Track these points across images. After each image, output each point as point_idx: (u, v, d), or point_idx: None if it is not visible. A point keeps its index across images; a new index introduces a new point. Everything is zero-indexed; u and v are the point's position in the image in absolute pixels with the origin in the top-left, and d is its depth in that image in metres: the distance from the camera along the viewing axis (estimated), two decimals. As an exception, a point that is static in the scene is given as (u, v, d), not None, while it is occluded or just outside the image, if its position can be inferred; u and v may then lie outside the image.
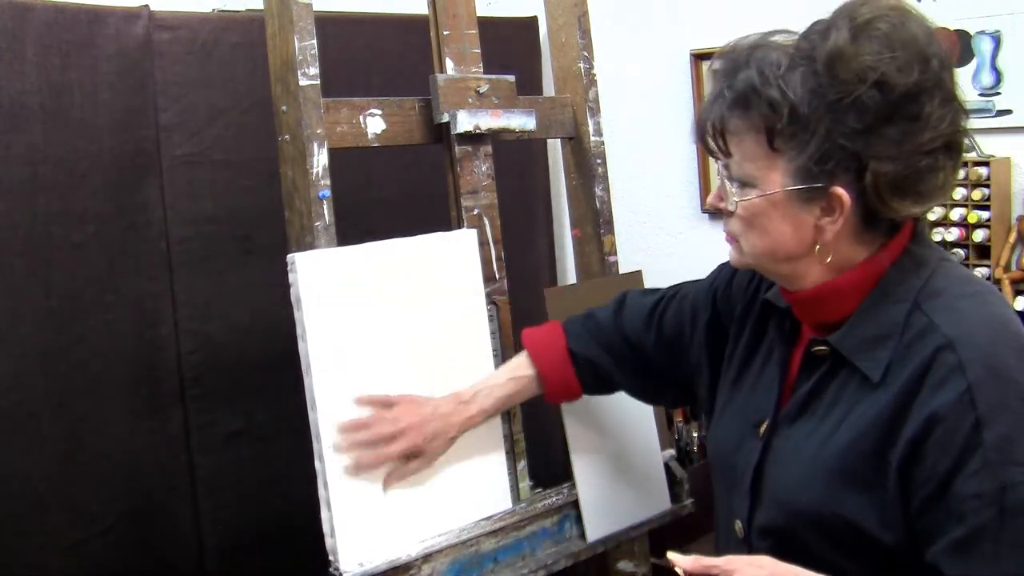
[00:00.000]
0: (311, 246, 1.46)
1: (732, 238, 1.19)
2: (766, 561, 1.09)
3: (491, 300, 1.65)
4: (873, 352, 1.10)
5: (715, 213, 2.42)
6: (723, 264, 1.44)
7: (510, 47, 2.46)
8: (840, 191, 1.07)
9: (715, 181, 2.42)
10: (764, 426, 1.22)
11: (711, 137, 1.14)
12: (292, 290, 1.41)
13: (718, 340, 1.40)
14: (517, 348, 1.62)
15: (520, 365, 1.57)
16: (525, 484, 1.67)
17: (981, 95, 2.05)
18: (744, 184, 1.12)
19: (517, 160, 2.49)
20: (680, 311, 1.48)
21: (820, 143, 1.06)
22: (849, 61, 1.04)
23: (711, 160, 2.42)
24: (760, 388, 1.26)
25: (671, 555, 1.11)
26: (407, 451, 1.47)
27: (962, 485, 1.02)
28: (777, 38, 1.11)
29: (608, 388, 1.60)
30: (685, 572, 1.09)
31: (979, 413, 1.01)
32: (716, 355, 1.40)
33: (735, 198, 1.13)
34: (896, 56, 1.04)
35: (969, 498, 1.01)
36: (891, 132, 1.05)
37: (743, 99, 1.09)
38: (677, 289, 1.53)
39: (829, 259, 1.12)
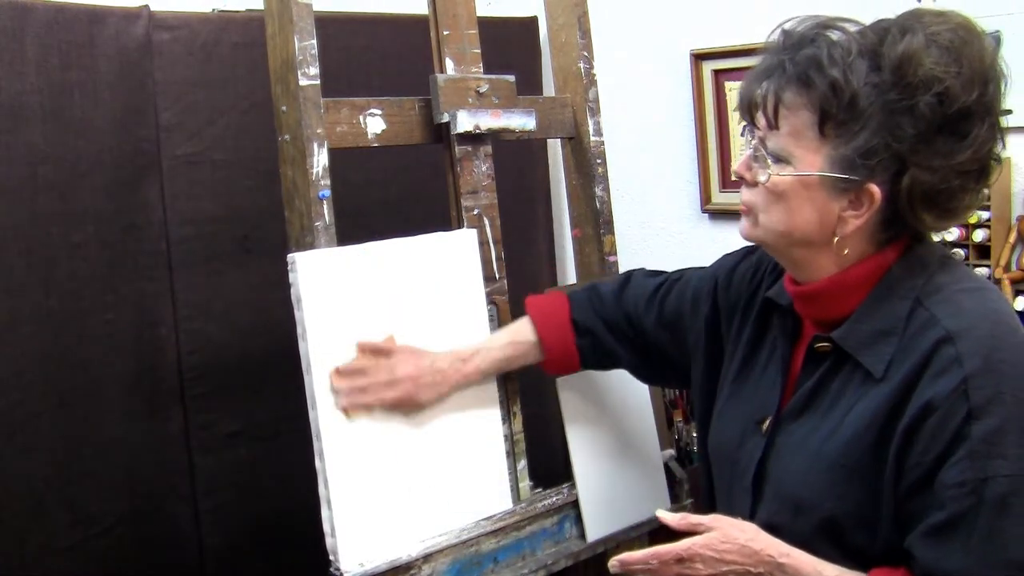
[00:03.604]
0: (311, 246, 1.46)
1: (748, 209, 1.18)
2: (748, 526, 1.12)
3: (491, 300, 1.65)
4: (876, 348, 1.11)
5: (711, 210, 2.44)
6: (725, 255, 1.44)
7: (510, 47, 2.46)
8: (874, 188, 1.09)
9: (714, 176, 2.43)
10: (767, 423, 1.22)
11: (762, 107, 1.13)
12: (292, 290, 1.41)
13: (716, 332, 1.40)
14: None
15: (521, 330, 1.58)
16: (525, 484, 1.67)
17: (981, 95, 2.04)
18: (780, 159, 1.12)
19: (517, 160, 2.49)
20: (682, 295, 1.49)
21: (869, 138, 1.07)
22: (918, 66, 1.05)
23: (711, 159, 2.42)
24: (763, 385, 1.27)
25: (659, 512, 1.17)
26: (400, 401, 1.46)
27: (946, 473, 1.03)
28: (841, 24, 1.12)
29: (607, 362, 1.60)
30: (674, 528, 1.15)
31: (972, 404, 1.02)
32: (713, 347, 1.40)
33: (769, 170, 1.13)
34: (962, 72, 1.06)
35: (951, 486, 1.02)
36: (938, 144, 1.07)
37: (805, 75, 1.09)
38: (681, 274, 1.54)
39: (846, 252, 1.13)
